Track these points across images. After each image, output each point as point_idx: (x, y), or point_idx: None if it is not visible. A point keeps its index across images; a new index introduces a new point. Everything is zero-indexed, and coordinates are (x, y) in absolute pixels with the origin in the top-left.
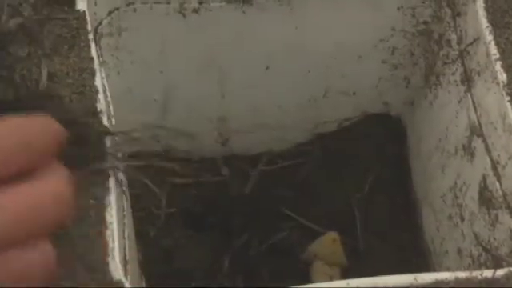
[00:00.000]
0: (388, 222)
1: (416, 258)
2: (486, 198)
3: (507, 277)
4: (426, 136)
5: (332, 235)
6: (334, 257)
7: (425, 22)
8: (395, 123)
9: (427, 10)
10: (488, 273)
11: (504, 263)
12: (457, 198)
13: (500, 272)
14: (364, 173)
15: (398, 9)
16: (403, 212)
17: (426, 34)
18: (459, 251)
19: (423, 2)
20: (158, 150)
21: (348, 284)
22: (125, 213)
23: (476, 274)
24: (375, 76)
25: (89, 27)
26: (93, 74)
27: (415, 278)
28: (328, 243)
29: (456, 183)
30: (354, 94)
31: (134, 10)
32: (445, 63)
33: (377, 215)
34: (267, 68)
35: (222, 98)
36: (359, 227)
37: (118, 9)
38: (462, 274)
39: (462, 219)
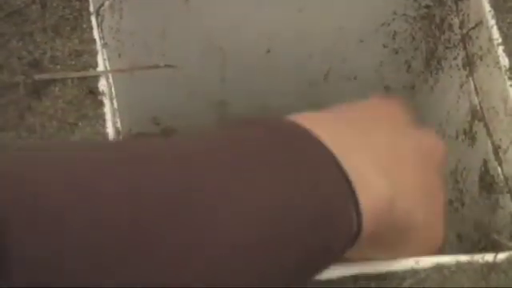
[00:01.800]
0: None
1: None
2: (486, 183)
3: (508, 261)
4: (427, 120)
5: None
6: None
7: (427, 6)
8: None
9: None
10: (489, 257)
11: (504, 247)
12: (457, 182)
13: (501, 256)
14: None
15: None
16: None
17: (428, 18)
18: (459, 236)
19: None
20: (157, 133)
21: (349, 268)
22: None
23: (477, 257)
24: (376, 60)
25: (91, 9)
26: (95, 56)
27: (416, 262)
28: None
29: (457, 168)
30: (355, 78)
31: None
32: (446, 47)
33: None
34: (268, 51)
35: (222, 82)
36: None
37: None
38: (464, 258)
39: (463, 204)
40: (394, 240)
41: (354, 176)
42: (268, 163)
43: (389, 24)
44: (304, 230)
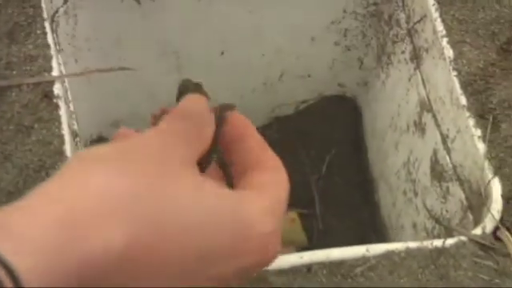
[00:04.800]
0: (346, 200)
1: (374, 235)
2: (437, 172)
3: (457, 245)
4: (380, 115)
5: (291, 215)
6: (294, 236)
7: (375, 4)
8: (350, 104)
9: None
10: (438, 242)
11: (455, 233)
12: (410, 173)
13: (450, 241)
14: (321, 154)
15: None
16: (360, 190)
17: (377, 14)
18: (414, 225)
19: None
20: None
21: (302, 257)
22: None
23: (427, 243)
24: (329, 58)
25: (45, 15)
26: (49, 61)
27: (367, 249)
28: (287, 223)
29: (409, 159)
30: (309, 76)
31: None
32: (395, 42)
33: (335, 195)
34: (222, 53)
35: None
36: (318, 207)
37: None
38: (413, 244)
39: (416, 194)
40: None
41: None
42: None
43: (339, 22)
44: None
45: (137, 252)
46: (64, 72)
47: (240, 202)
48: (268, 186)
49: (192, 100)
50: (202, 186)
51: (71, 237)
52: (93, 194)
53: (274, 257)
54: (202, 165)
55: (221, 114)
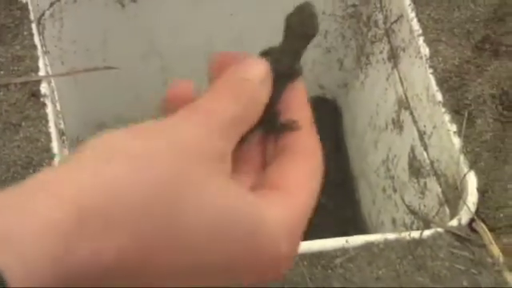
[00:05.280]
0: (328, 199)
1: (356, 232)
2: (415, 168)
3: (433, 237)
4: (360, 115)
5: None
6: None
7: (353, 5)
8: (331, 105)
9: None
10: (416, 233)
11: (432, 225)
12: (389, 170)
13: (427, 232)
14: None
15: None
16: (342, 189)
17: (355, 16)
18: (394, 221)
19: None
20: None
21: None
22: None
23: (404, 235)
24: (310, 60)
25: (32, 17)
26: (36, 61)
27: (347, 240)
28: None
29: (388, 156)
30: None
31: (75, 1)
32: (373, 42)
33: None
34: (207, 54)
35: (164, 85)
36: None
37: (59, 0)
38: (392, 236)
39: (395, 190)
40: None
41: None
42: None
43: (320, 24)
44: None
45: (129, 264)
46: (50, 72)
47: (262, 218)
48: (299, 192)
49: (250, 69)
50: (224, 195)
51: (60, 247)
52: (98, 193)
53: (281, 277)
54: (244, 138)
55: (285, 77)
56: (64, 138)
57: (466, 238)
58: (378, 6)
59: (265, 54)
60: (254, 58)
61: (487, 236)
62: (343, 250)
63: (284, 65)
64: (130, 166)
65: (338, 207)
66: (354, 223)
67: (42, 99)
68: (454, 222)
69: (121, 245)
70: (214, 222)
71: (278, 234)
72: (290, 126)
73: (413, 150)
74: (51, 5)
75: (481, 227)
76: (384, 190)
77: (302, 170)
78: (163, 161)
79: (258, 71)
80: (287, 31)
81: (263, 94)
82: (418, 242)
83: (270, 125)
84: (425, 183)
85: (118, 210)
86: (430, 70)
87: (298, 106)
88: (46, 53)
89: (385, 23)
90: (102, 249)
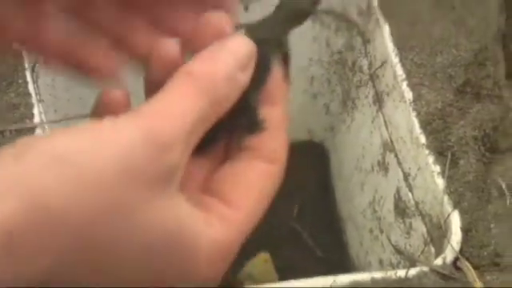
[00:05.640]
0: (315, 241)
1: (343, 273)
2: (400, 209)
3: (419, 276)
4: (347, 158)
5: (264, 256)
6: (266, 276)
7: (339, 52)
8: (319, 149)
9: (340, 39)
10: (401, 272)
11: (417, 264)
12: (375, 211)
13: (412, 271)
14: (291, 198)
15: (314, 39)
16: (329, 231)
17: (341, 62)
18: (381, 261)
19: (336, 33)
20: None
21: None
22: None
23: (390, 273)
24: (297, 105)
25: (26, 65)
26: (31, 109)
27: (334, 280)
28: (260, 263)
29: (374, 198)
30: None
31: None
32: (358, 87)
33: (305, 235)
34: None
35: None
36: (289, 247)
37: None
38: (378, 275)
39: (382, 231)
40: None
41: None
42: None
43: (307, 70)
44: None
45: (54, 285)
46: (44, 119)
47: (197, 243)
48: (242, 210)
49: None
50: (160, 220)
51: None
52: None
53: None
54: (209, 140)
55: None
56: None
57: (450, 276)
58: (363, 52)
59: (250, 30)
60: (236, 36)
61: (471, 274)
62: None
63: (271, 45)
64: (76, 179)
65: (325, 250)
66: (342, 264)
67: None
68: (438, 261)
69: (44, 267)
70: (144, 245)
71: (208, 257)
72: (257, 127)
73: (398, 191)
74: None
75: (465, 265)
76: (371, 231)
77: (255, 180)
78: (101, 183)
79: (240, 51)
80: (280, 5)
81: (242, 79)
82: (404, 281)
83: (242, 118)
84: (410, 223)
85: (44, 233)
86: (414, 113)
87: (270, 99)
88: (40, 101)
89: (369, 68)
90: (25, 272)
